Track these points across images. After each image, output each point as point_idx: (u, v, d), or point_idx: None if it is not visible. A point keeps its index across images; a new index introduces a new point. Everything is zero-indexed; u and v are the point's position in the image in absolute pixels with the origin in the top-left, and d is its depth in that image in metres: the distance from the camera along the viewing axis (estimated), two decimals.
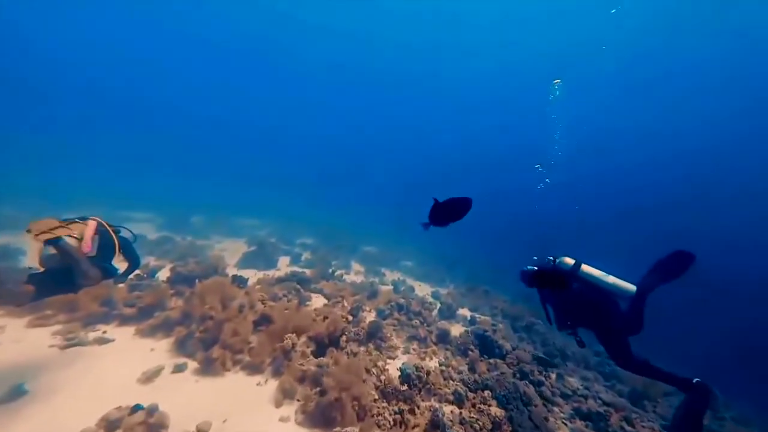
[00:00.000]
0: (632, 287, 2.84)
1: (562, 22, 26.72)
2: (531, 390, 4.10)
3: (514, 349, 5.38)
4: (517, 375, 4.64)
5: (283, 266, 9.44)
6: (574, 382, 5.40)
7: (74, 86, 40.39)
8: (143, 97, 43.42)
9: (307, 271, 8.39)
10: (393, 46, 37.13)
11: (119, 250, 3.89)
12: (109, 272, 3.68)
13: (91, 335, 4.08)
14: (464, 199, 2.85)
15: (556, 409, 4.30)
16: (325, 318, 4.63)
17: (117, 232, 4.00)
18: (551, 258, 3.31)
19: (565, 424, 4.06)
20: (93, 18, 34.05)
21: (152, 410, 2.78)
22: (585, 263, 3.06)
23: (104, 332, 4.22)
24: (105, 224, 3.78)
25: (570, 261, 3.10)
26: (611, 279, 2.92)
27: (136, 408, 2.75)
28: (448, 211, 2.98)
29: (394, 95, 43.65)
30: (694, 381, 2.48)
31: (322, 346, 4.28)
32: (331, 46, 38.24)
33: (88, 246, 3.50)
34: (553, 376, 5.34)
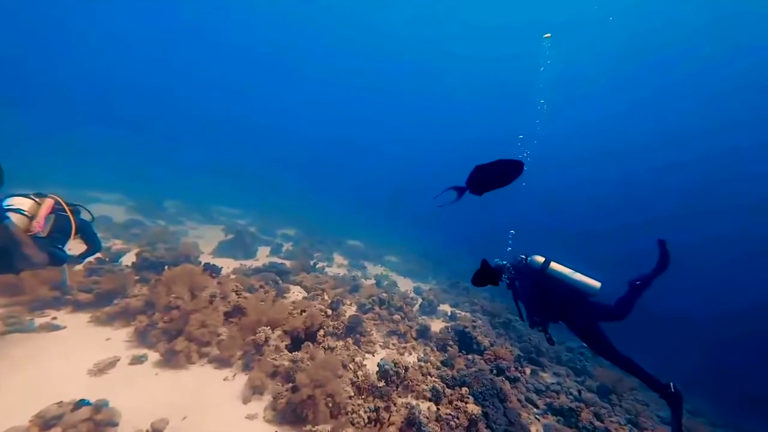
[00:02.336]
0: (597, 284, 2.97)
1: (561, 26, 27.21)
2: (507, 386, 4.12)
3: (492, 345, 5.41)
4: (494, 371, 4.65)
5: (262, 257, 9.09)
6: (547, 377, 5.51)
7: (59, 72, 37.78)
8: (128, 82, 40.92)
9: (287, 263, 8.11)
10: (387, 45, 36.68)
11: (75, 233, 3.56)
12: (58, 258, 3.33)
13: (38, 321, 3.68)
14: (513, 162, 2.32)
15: (529, 404, 4.35)
16: (303, 311, 4.43)
17: (76, 213, 3.67)
18: (523, 256, 3.38)
19: (538, 419, 4.11)
20: (85, 12, 31.98)
21: (100, 406, 2.50)
22: (554, 261, 3.14)
23: (54, 318, 3.82)
24: (63, 203, 3.45)
25: (540, 259, 3.19)
26: (578, 276, 3.03)
27: (81, 403, 2.47)
28: (493, 176, 2.43)
29: (388, 93, 43.41)
30: (672, 389, 2.53)
31: (298, 340, 4.09)
32: (325, 43, 37.41)
33: (40, 225, 3.16)
34: (528, 371, 5.43)
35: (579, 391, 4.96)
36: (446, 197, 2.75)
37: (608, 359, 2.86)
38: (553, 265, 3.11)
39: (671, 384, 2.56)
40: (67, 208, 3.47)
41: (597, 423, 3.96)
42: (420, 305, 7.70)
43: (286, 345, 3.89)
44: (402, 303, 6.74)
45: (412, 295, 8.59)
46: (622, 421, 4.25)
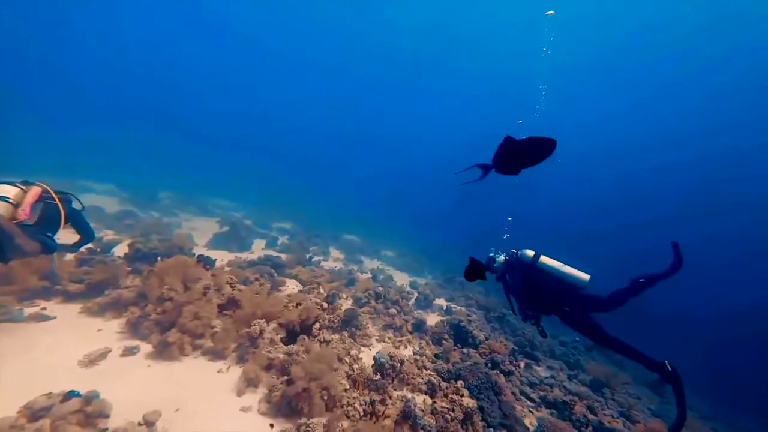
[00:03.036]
0: (587, 276, 3.01)
1: (561, 26, 26.85)
2: (502, 379, 4.14)
3: (486, 338, 5.43)
4: (489, 364, 4.67)
5: (258, 250, 9.02)
6: (541, 371, 5.57)
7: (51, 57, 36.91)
8: (126, 74, 40.02)
9: (283, 256, 8.06)
10: (389, 38, 36.04)
11: (65, 222, 3.49)
12: (49, 246, 3.29)
13: (27, 311, 3.61)
14: (545, 140, 2.12)
15: (523, 398, 4.39)
16: (298, 305, 4.40)
17: (67, 202, 3.60)
18: (513, 250, 3.43)
19: (532, 412, 4.15)
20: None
21: (91, 397, 2.45)
22: (544, 255, 3.19)
23: (43, 308, 3.75)
24: (52, 192, 3.37)
25: (530, 253, 3.24)
26: (567, 269, 3.07)
27: (71, 394, 2.42)
28: (522, 154, 2.22)
29: (389, 91, 42.90)
30: (669, 368, 2.59)
31: (293, 333, 4.06)
32: (329, 34, 36.67)
33: (26, 213, 3.09)
34: (522, 365, 5.47)
35: (569, 377, 5.00)
36: (468, 176, 2.60)
37: (604, 346, 2.89)
38: (543, 259, 3.15)
39: (666, 362, 2.60)
40: (55, 197, 3.40)
41: (590, 416, 4.01)
42: (416, 299, 7.72)
43: (281, 338, 3.86)
44: (398, 297, 6.74)
45: (408, 289, 8.60)
46: (614, 414, 4.31)
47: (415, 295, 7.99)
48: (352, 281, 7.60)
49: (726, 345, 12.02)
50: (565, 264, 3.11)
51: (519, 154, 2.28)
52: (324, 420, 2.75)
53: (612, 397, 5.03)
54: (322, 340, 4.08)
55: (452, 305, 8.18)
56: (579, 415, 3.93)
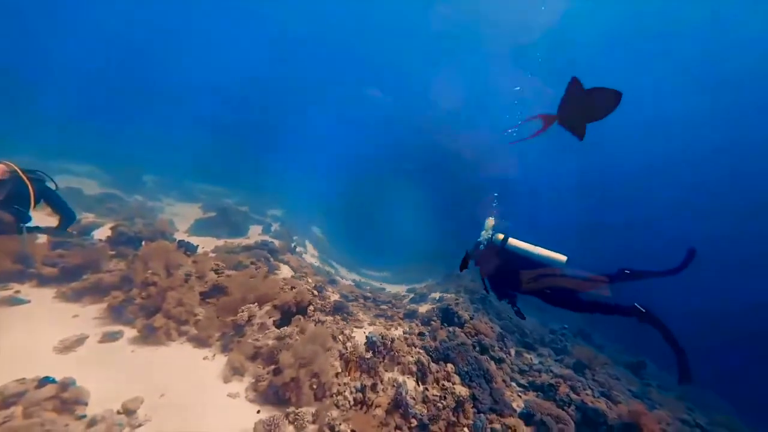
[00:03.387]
0: (563, 257, 3.01)
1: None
2: (493, 366, 4.20)
3: (471, 318, 5.47)
4: (477, 347, 4.71)
5: (254, 235, 8.82)
6: (531, 358, 5.69)
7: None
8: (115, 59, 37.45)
9: (276, 242, 7.92)
10: (387, 32, 34.42)
11: (35, 200, 3.33)
12: (21, 217, 3.18)
13: None
14: (609, 91, 1.89)
15: (513, 383, 4.49)
16: (292, 288, 4.33)
17: (38, 181, 3.42)
18: (489, 234, 3.47)
19: (520, 396, 4.25)
20: None
21: (67, 384, 2.34)
22: (512, 237, 3.26)
23: (16, 292, 3.56)
24: (18, 170, 3.21)
25: (500, 236, 3.32)
26: (540, 251, 3.12)
27: (46, 380, 2.30)
28: (590, 104, 1.99)
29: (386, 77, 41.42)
30: (643, 310, 2.62)
31: (289, 314, 3.99)
32: (323, 16, 34.82)
33: None
34: (512, 351, 5.57)
35: (555, 361, 5.10)
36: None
37: (587, 312, 2.92)
38: (512, 241, 3.21)
39: (636, 305, 2.64)
40: (22, 175, 3.24)
41: (573, 396, 4.13)
42: (410, 299, 7.69)
43: (274, 321, 3.78)
44: (390, 298, 6.69)
45: (404, 293, 8.52)
46: (596, 394, 4.46)
47: (411, 296, 7.94)
48: (334, 281, 7.52)
49: (722, 342, 12.33)
50: (536, 246, 3.14)
51: (586, 105, 2.02)
52: (312, 410, 2.71)
53: (593, 377, 5.20)
54: (317, 320, 4.04)
55: (445, 295, 8.23)
56: (563, 395, 4.04)
